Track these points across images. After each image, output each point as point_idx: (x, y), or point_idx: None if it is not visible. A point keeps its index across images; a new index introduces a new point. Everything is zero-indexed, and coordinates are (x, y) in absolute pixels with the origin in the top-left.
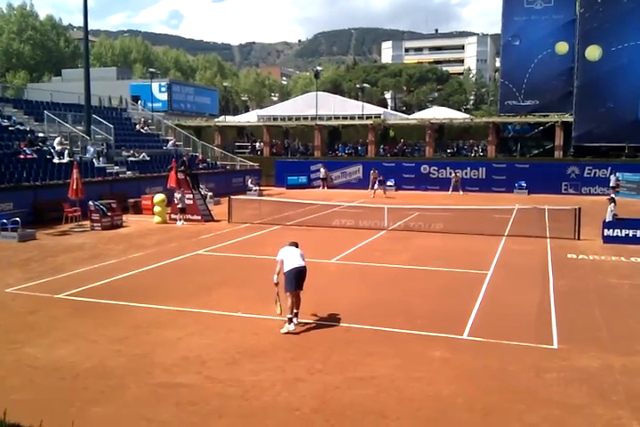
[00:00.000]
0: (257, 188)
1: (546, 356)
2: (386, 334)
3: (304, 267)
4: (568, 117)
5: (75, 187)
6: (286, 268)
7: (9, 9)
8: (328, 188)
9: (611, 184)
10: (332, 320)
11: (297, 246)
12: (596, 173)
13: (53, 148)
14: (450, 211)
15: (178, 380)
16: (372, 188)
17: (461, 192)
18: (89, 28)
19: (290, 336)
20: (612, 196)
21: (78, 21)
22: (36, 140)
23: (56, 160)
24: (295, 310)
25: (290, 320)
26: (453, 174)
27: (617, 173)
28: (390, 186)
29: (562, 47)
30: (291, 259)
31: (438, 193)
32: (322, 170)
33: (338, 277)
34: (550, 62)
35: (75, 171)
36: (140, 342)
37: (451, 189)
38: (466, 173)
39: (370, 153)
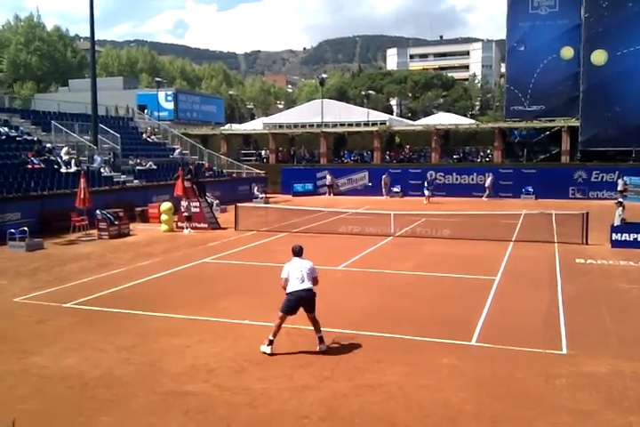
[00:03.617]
0: (263, 195)
1: (555, 362)
2: (393, 340)
3: (308, 291)
4: (574, 122)
5: (82, 196)
6: (289, 288)
7: (16, 20)
8: (334, 194)
9: (618, 188)
10: (339, 327)
11: (301, 252)
12: (603, 177)
13: (61, 157)
14: (456, 216)
15: (186, 388)
16: (387, 193)
17: (484, 198)
18: (95, 38)
19: (297, 344)
20: (620, 200)
21: (85, 32)
22: (44, 150)
23: (63, 170)
24: (319, 334)
25: (270, 342)
26: (490, 178)
27: (624, 177)
28: (397, 192)
29: (567, 52)
30: (294, 277)
31: (469, 199)
32: (328, 177)
33: (345, 284)
34: (556, 67)
35: (82, 180)
36: (147, 351)
37: (485, 194)
38: (472, 179)
39: (376, 159)
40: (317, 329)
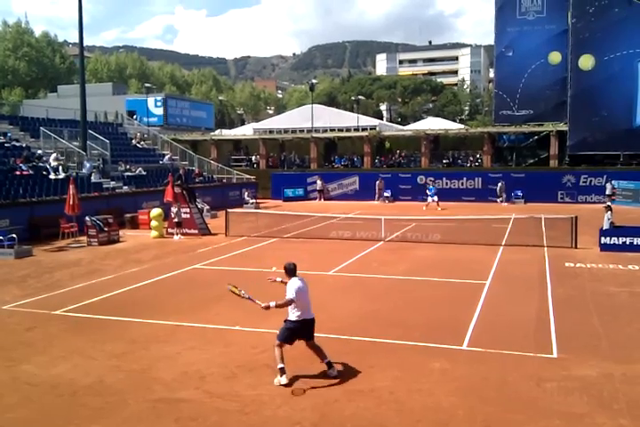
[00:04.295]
0: (254, 201)
1: (545, 365)
2: (385, 345)
3: (313, 320)
4: (562, 126)
5: (71, 202)
6: (299, 315)
7: (4, 26)
8: (325, 199)
9: (607, 192)
10: (330, 333)
11: (296, 270)
12: (591, 181)
13: (49, 164)
14: (446, 221)
15: (177, 395)
16: (380, 198)
17: (505, 203)
18: (84, 44)
19: (288, 350)
20: (609, 204)
21: (73, 37)
22: (32, 157)
23: (52, 176)
24: (325, 360)
25: (282, 371)
26: (500, 183)
27: (613, 181)
28: (387, 197)
29: (555, 57)
30: (304, 303)
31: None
32: (318, 182)
33: (336, 290)
34: (543, 72)
35: (71, 186)
36: (138, 358)
37: (499, 199)
38: (462, 184)
39: (366, 164)
40: (323, 355)
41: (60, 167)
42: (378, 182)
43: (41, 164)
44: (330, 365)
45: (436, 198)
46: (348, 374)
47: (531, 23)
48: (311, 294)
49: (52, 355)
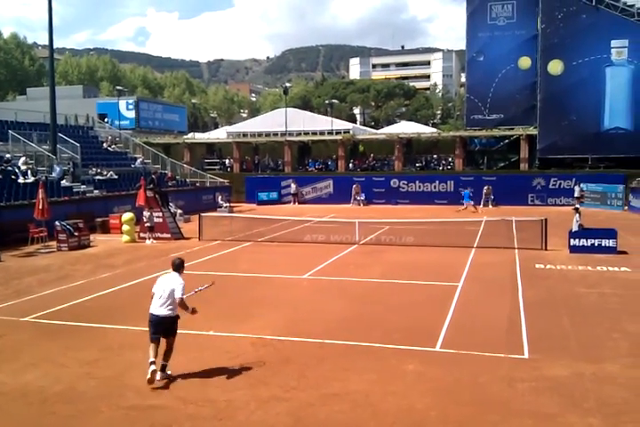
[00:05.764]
0: (227, 204)
1: (517, 366)
2: (360, 348)
3: (162, 317)
4: (532, 130)
5: (40, 207)
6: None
7: None
8: (299, 203)
9: (575, 195)
10: (305, 336)
11: (181, 267)
12: (560, 184)
13: (18, 168)
14: (419, 224)
15: (150, 402)
16: (354, 201)
17: (490, 206)
18: (54, 46)
19: (262, 354)
20: (577, 206)
21: (43, 39)
22: (1, 161)
23: (21, 180)
24: (163, 361)
25: (152, 364)
26: (485, 187)
27: (581, 184)
28: (362, 200)
29: (525, 62)
30: (156, 296)
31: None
32: (292, 185)
33: (311, 293)
34: (514, 77)
35: (40, 191)
36: (110, 365)
37: (482, 203)
38: (435, 187)
39: (340, 168)
40: (165, 356)
41: (30, 171)
42: (354, 187)
43: (9, 167)
44: (163, 368)
45: (471, 202)
46: (323, 377)
47: (501, 28)
48: (285, 298)
49: (21, 362)
